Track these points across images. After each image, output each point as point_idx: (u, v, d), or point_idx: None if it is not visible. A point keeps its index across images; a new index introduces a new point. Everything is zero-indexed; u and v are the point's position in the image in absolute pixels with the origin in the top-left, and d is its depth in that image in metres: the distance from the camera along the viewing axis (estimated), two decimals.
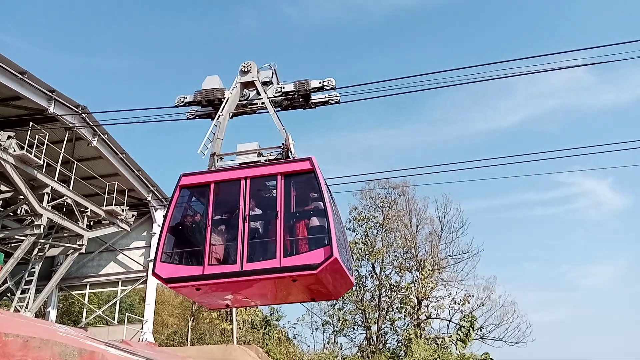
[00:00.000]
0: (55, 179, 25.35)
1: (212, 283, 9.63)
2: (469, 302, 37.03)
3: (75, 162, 27.27)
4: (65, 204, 26.44)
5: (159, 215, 32.18)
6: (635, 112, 78.44)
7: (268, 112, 11.65)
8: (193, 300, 11.00)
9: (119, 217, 29.28)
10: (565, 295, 73.24)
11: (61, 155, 26.07)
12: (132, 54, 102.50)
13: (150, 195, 31.76)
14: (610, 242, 76.40)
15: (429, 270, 36.49)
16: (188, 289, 9.96)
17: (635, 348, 62.08)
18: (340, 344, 40.07)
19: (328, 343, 39.83)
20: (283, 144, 11.01)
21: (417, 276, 37.21)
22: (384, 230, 39.56)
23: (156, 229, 31.69)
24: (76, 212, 27.00)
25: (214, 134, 11.28)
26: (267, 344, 33.88)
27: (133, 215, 30.37)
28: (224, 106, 11.62)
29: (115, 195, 28.64)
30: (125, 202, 29.65)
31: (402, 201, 40.49)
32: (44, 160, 24.06)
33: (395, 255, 39.68)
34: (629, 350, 63.36)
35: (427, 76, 12.67)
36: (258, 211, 10.30)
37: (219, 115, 11.46)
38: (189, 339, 34.82)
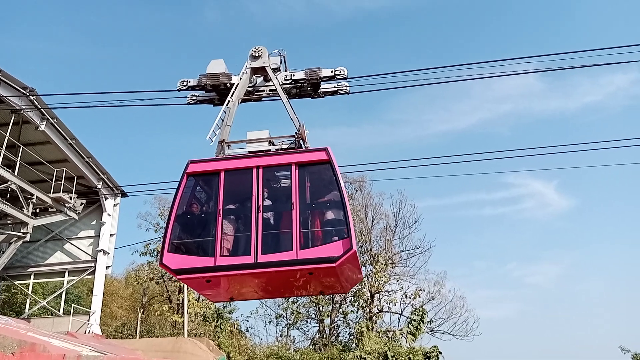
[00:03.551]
0: None
1: (225, 275, 9.30)
2: (419, 297, 37.78)
3: (22, 147, 25.82)
4: (9, 189, 25.01)
5: (109, 204, 31.01)
6: (581, 120, 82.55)
7: (274, 99, 11.38)
8: (197, 292, 10.60)
9: (66, 204, 28.00)
10: (512, 292, 76.32)
11: (6, 138, 24.61)
12: (93, 43, 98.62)
13: (101, 183, 30.51)
14: (555, 242, 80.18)
15: (382, 264, 36.93)
16: (197, 280, 9.60)
17: (576, 344, 65.61)
18: (293, 337, 40.20)
19: (281, 336, 39.81)
20: (297, 132, 10.73)
21: (370, 270, 37.62)
22: None
23: (106, 218, 30.61)
24: (21, 199, 25.61)
25: (223, 120, 10.87)
26: (218, 337, 33.36)
27: (82, 204, 29.07)
28: (234, 92, 11.20)
29: (63, 182, 27.38)
30: (74, 189, 28.36)
31: (358, 196, 40.81)
32: None
33: None
34: (570, 345, 66.80)
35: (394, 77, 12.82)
36: (271, 201, 10.03)
37: (229, 101, 11.04)
38: (137, 332, 33.79)
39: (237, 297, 11.06)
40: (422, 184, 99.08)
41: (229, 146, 10.88)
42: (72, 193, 28.10)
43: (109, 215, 30.77)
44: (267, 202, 9.93)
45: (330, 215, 9.68)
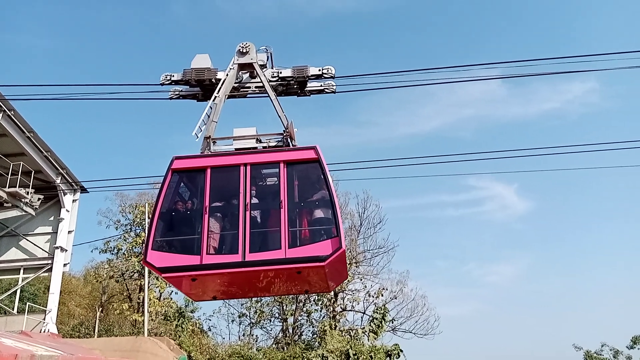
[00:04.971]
0: None
1: (212, 273, 9.12)
2: (382, 295, 38.13)
3: None
4: None
5: (67, 199, 30.09)
6: (540, 125, 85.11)
7: (260, 96, 11.23)
8: (180, 291, 10.36)
9: (23, 200, 27.02)
10: (471, 291, 77.76)
11: None
12: (54, 35, 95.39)
13: (60, 178, 29.56)
14: (514, 243, 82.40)
15: (346, 263, 36.98)
16: (182, 279, 9.39)
17: (532, 341, 67.56)
18: (256, 336, 40.03)
19: (243, 335, 39.55)
20: (285, 130, 10.61)
21: None
22: None
23: (64, 214, 29.69)
24: None
25: (209, 116, 10.66)
26: (179, 336, 32.82)
27: (39, 199, 28.13)
28: (220, 87, 11.00)
29: (20, 176, 26.38)
30: (31, 184, 27.41)
31: None
32: None
33: None
34: (526, 343, 68.72)
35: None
36: (259, 199, 9.89)
37: (215, 97, 10.83)
38: (96, 331, 32.96)
39: (221, 296, 10.90)
40: (387, 184, 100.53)
41: (214, 142, 10.70)
42: (29, 188, 27.15)
43: (67, 211, 29.86)
44: (255, 200, 9.81)
45: (319, 214, 9.62)
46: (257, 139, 10.71)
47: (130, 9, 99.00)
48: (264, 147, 10.64)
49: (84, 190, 30.90)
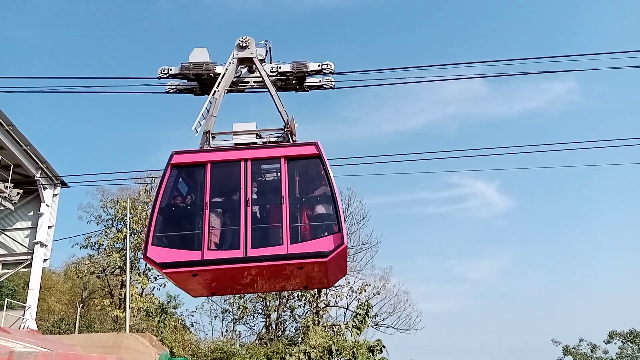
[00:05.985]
0: None
1: (214, 269, 9.04)
2: (365, 291, 38.47)
3: None
4: None
5: (47, 194, 29.54)
6: (523, 124, 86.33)
7: (258, 91, 11.13)
8: (179, 287, 10.23)
9: (1, 194, 26.48)
10: (454, 287, 78.88)
11: None
12: (34, 25, 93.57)
13: (39, 172, 28.99)
14: (496, 239, 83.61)
15: None
16: (182, 274, 9.28)
17: (513, 336, 68.53)
18: (239, 332, 39.85)
19: (226, 331, 39.34)
20: (286, 125, 10.53)
21: None
22: None
23: (44, 208, 29.15)
24: None
25: (208, 110, 10.53)
26: (162, 332, 32.52)
27: (18, 194, 27.54)
28: (220, 82, 10.87)
29: None
30: (10, 178, 26.83)
31: None
32: None
33: None
34: (507, 337, 69.74)
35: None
36: (260, 195, 9.82)
37: (215, 92, 10.70)
38: (76, 327, 32.50)
39: (220, 291, 10.90)
40: (371, 181, 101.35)
41: (214, 137, 10.60)
42: (7, 182, 26.60)
43: (47, 206, 29.32)
44: (255, 196, 9.75)
45: (320, 209, 9.65)
46: (257, 134, 10.66)
47: (114, 2, 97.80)
48: (264, 143, 10.59)
49: (64, 185, 30.35)
